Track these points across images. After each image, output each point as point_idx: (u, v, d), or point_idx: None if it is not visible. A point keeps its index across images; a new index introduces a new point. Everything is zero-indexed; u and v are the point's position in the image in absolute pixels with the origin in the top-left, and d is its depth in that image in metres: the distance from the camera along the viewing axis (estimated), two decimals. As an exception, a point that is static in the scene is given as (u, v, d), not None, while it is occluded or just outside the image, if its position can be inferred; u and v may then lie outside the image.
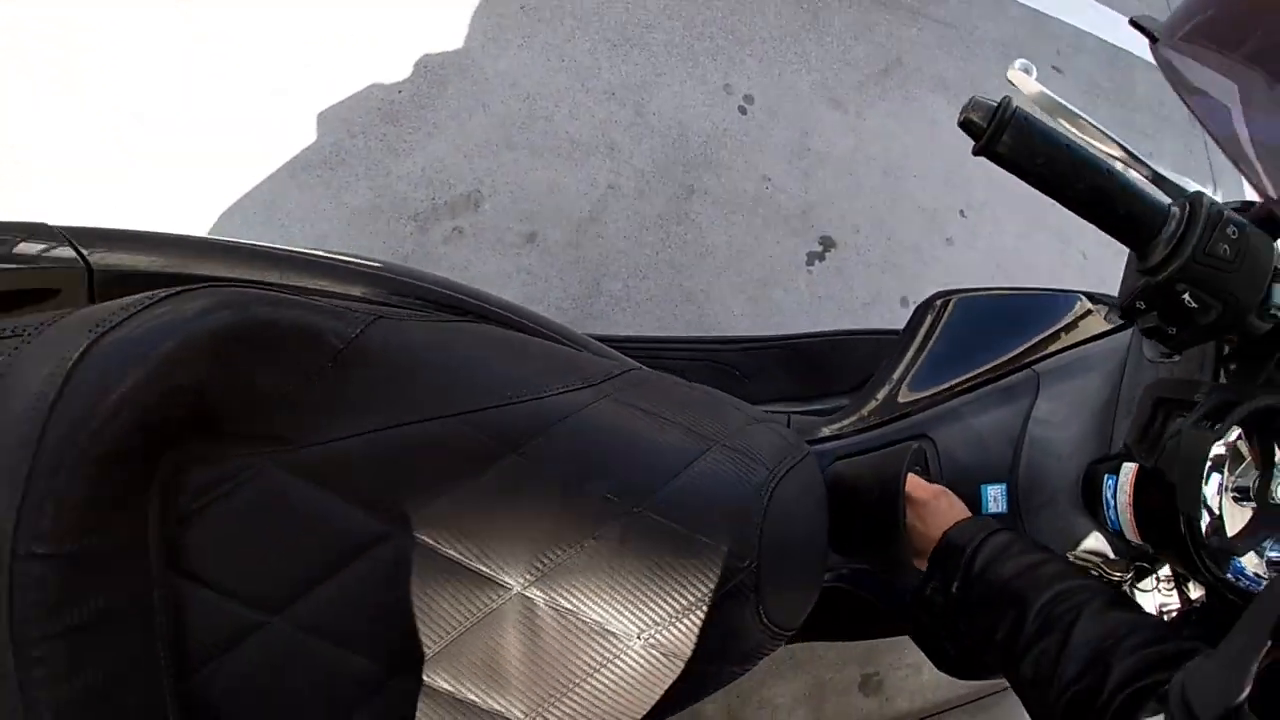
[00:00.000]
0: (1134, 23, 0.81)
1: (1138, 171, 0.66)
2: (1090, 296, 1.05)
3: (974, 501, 0.93)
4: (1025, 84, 0.64)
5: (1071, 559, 0.91)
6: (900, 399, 1.02)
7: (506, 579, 0.62)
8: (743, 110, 1.84)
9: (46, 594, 0.45)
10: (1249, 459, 0.70)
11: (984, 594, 0.71)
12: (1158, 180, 0.67)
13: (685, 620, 0.63)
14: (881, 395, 1.04)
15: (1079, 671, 0.58)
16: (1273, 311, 0.64)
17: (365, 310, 0.62)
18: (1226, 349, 0.73)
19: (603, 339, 0.91)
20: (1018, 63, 0.64)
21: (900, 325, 1.21)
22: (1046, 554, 0.71)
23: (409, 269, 0.76)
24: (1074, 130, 0.65)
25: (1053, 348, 1.01)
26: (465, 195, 1.53)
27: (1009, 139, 0.59)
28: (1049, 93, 0.64)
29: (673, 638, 0.63)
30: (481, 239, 1.53)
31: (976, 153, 0.60)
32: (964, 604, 0.73)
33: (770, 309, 1.76)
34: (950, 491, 0.86)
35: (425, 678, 0.61)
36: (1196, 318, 0.63)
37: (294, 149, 1.43)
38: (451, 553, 0.61)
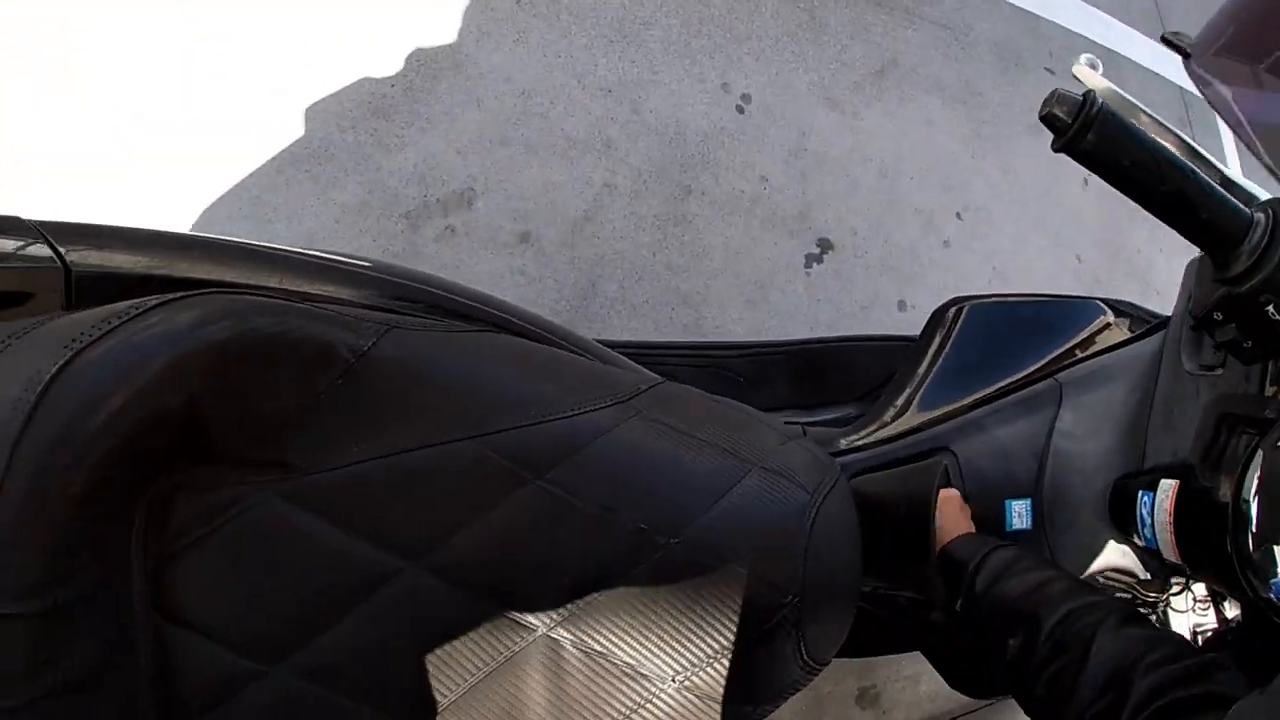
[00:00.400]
0: (1166, 40, 0.79)
1: (1208, 175, 0.62)
2: (1110, 305, 1.02)
3: (998, 517, 0.90)
4: (1091, 79, 0.61)
5: (1103, 580, 0.88)
6: (917, 411, 0.98)
7: (531, 619, 0.56)
8: (740, 109, 1.80)
9: (18, 658, 0.39)
10: None
11: (990, 612, 0.69)
12: (1227, 184, 0.63)
13: (723, 661, 0.58)
14: (898, 405, 1.00)
15: (1098, 691, 0.57)
16: None
17: (377, 319, 0.56)
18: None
19: (602, 344, 0.85)
20: (1083, 58, 0.61)
21: (898, 329, 1.18)
22: (1053, 571, 0.70)
23: (414, 271, 0.70)
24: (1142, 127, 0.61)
25: (1071, 360, 0.98)
26: (458, 192, 1.47)
27: (1094, 136, 0.56)
28: (1116, 89, 0.60)
29: (709, 679, 0.58)
30: (474, 238, 1.48)
31: (1057, 149, 0.57)
32: (968, 621, 0.71)
33: (768, 312, 1.73)
34: (958, 497, 0.84)
35: None
36: None
37: (282, 144, 1.38)
38: (470, 591, 0.55)
